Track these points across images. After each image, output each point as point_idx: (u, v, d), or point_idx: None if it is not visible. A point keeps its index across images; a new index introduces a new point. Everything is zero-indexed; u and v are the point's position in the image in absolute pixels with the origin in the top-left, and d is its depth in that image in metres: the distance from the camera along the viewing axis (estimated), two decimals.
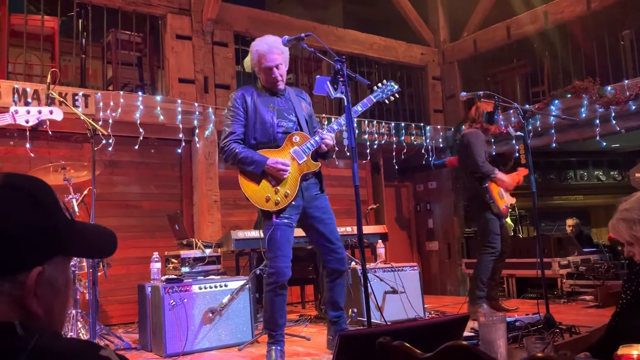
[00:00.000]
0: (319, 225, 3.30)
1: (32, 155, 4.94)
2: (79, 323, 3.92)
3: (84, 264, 3.97)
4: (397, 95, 3.56)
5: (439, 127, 7.85)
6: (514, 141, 6.61)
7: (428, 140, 7.62)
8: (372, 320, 2.91)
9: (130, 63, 6.13)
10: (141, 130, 5.36)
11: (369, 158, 7.50)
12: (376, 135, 7.09)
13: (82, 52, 6.00)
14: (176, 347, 3.67)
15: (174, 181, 6.11)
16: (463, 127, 5.24)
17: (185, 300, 3.78)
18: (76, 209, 4.10)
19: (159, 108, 5.53)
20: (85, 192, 4.12)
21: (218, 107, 5.94)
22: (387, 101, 3.53)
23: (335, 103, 7.27)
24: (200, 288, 3.89)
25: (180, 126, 5.69)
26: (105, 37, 5.92)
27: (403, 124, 7.44)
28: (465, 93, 4.18)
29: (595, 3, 6.35)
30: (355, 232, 4.69)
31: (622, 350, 1.46)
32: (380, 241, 5.11)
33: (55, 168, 4.11)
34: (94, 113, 5.10)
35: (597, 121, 6.09)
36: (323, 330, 4.16)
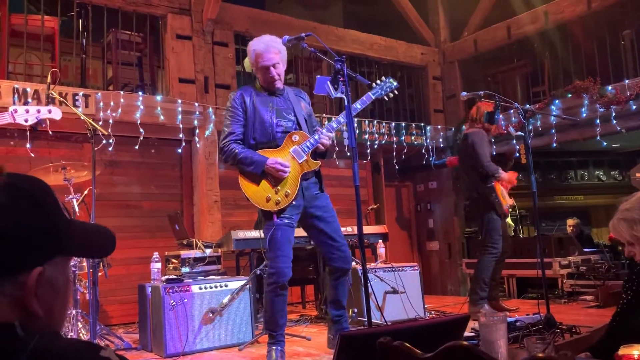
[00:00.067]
0: (321, 224, 3.29)
1: (33, 155, 4.94)
2: (79, 323, 3.92)
3: (84, 264, 3.97)
4: (396, 92, 3.53)
5: (439, 127, 7.85)
6: (514, 141, 6.60)
7: (428, 140, 7.62)
8: (372, 320, 2.91)
9: (130, 63, 6.13)
10: (141, 130, 5.36)
11: (369, 158, 7.50)
12: (376, 135, 7.09)
13: (82, 52, 6.00)
14: (176, 347, 3.67)
15: (174, 181, 6.11)
16: (463, 127, 5.24)
17: (186, 300, 3.78)
18: (76, 209, 4.10)
19: (159, 108, 5.53)
20: (86, 192, 4.12)
21: (218, 107, 5.94)
22: (386, 98, 3.51)
23: (335, 103, 7.26)
24: (200, 288, 3.89)
25: (181, 126, 5.69)
26: (106, 37, 5.92)
27: (403, 124, 7.44)
28: (465, 93, 4.18)
29: (595, 3, 6.35)
30: (356, 232, 4.71)
31: (622, 351, 1.45)
32: (380, 241, 5.11)
33: (56, 168, 4.11)
34: (94, 113, 5.10)
35: (598, 121, 6.09)
36: (323, 330, 4.16)
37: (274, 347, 3.20)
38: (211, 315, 3.84)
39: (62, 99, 3.84)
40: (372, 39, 7.58)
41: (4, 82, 4.87)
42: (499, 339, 1.63)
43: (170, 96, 5.80)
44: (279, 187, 3.17)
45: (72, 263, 3.72)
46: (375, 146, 7.14)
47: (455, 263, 7.75)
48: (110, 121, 5.16)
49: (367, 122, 7.07)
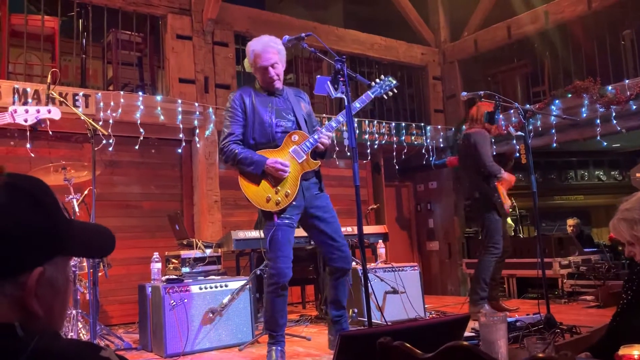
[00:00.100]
0: (321, 224, 3.29)
1: (33, 155, 4.94)
2: (79, 323, 3.92)
3: (84, 264, 3.97)
4: (395, 90, 3.52)
5: (439, 127, 7.85)
6: (514, 141, 6.60)
7: (429, 140, 7.62)
8: (372, 321, 2.90)
9: (130, 63, 6.13)
10: (141, 130, 5.36)
11: (369, 158, 7.50)
12: (377, 135, 7.09)
13: (82, 52, 6.00)
14: (176, 348, 3.67)
15: (175, 181, 6.11)
16: (464, 127, 5.24)
17: (186, 300, 3.78)
18: (76, 209, 4.10)
19: (159, 108, 5.53)
20: (86, 192, 4.12)
21: (218, 107, 5.94)
22: (385, 96, 3.50)
23: (335, 103, 7.27)
24: (200, 288, 3.89)
25: (181, 126, 5.69)
26: (106, 37, 5.92)
27: (403, 124, 7.44)
28: (465, 93, 4.18)
29: (595, 3, 6.35)
30: (356, 232, 4.71)
31: (623, 351, 1.45)
32: (380, 241, 5.11)
33: (56, 168, 4.11)
34: (95, 113, 5.10)
35: (598, 121, 6.08)
36: (323, 330, 4.17)
37: (274, 347, 3.20)
38: (211, 315, 3.84)
39: (62, 99, 3.84)
40: (373, 39, 7.58)
41: (4, 82, 4.87)
42: (499, 339, 1.63)
43: (170, 96, 5.80)
44: (279, 187, 3.17)
45: (72, 263, 3.72)
46: (376, 146, 7.14)
47: (455, 263, 7.75)
48: (111, 121, 5.16)
49: (367, 122, 7.07)
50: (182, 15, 6.05)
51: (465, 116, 5.99)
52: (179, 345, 3.68)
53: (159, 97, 5.63)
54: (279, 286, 3.16)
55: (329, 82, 2.88)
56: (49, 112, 3.42)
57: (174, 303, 3.73)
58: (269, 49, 3.24)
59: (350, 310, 4.26)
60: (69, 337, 3.65)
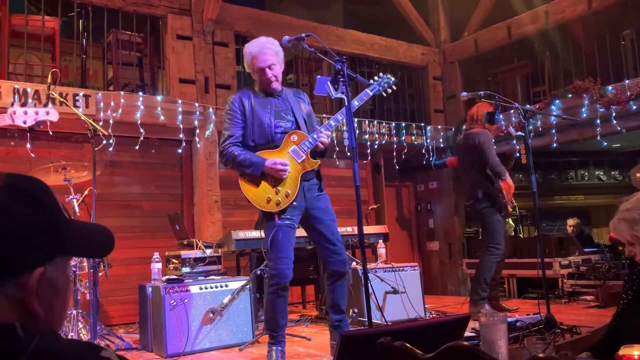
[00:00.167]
0: (320, 226, 3.29)
1: (33, 155, 4.94)
2: (79, 323, 3.91)
3: (85, 264, 3.97)
4: (394, 88, 3.51)
5: (439, 127, 7.85)
6: (514, 141, 6.60)
7: (429, 140, 7.61)
8: (372, 321, 2.90)
9: (130, 63, 6.13)
10: (142, 130, 5.36)
11: (369, 158, 7.49)
12: (377, 135, 7.09)
13: (82, 53, 6.00)
14: (177, 348, 3.68)
15: (175, 181, 6.11)
16: (464, 127, 5.23)
17: (186, 300, 3.78)
18: (77, 209, 4.10)
19: (159, 108, 5.53)
20: (86, 192, 4.12)
21: (219, 107, 5.94)
22: (384, 94, 3.48)
23: (335, 103, 7.26)
24: (200, 288, 3.89)
25: (181, 126, 5.69)
26: (106, 37, 5.93)
27: (404, 124, 7.44)
28: (466, 93, 4.18)
29: (596, 3, 6.35)
30: (356, 232, 4.70)
31: (623, 351, 1.45)
32: (381, 241, 5.11)
33: (56, 168, 4.11)
34: (95, 113, 5.10)
35: (598, 121, 6.08)
36: (324, 330, 4.17)
37: (274, 347, 3.20)
38: (211, 315, 3.84)
39: (62, 100, 3.84)
40: (373, 39, 7.58)
41: (4, 82, 4.87)
42: (499, 339, 1.63)
43: (170, 96, 5.81)
44: (279, 188, 3.17)
45: (72, 263, 3.73)
46: (376, 146, 7.14)
47: (455, 263, 7.75)
48: (111, 121, 5.16)
49: (367, 122, 7.06)
50: (182, 16, 6.05)
51: (466, 116, 5.99)
52: (180, 345, 3.68)
53: (159, 98, 5.63)
54: (279, 287, 3.16)
55: (329, 83, 2.88)
56: (47, 113, 3.41)
57: (175, 303, 3.73)
58: (266, 51, 3.24)
59: (351, 310, 4.26)
60: (69, 337, 3.65)
